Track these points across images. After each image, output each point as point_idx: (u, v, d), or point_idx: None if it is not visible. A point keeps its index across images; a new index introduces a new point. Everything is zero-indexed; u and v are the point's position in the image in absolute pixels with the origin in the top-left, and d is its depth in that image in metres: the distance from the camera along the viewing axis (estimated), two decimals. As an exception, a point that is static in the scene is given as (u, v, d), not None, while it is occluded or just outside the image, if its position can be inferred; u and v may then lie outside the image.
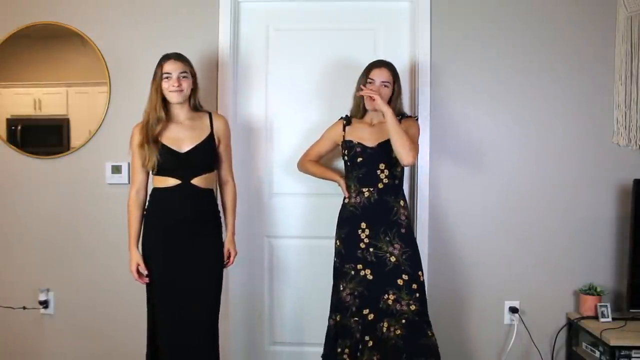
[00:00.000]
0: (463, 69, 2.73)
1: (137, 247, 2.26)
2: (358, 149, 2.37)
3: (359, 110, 2.45)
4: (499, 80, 2.73)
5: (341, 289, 2.37)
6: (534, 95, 2.73)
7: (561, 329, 2.72)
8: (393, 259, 2.31)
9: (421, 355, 2.20)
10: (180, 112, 2.26)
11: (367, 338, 2.30)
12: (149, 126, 2.17)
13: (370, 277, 2.32)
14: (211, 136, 2.26)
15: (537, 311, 2.73)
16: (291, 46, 2.82)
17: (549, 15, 2.71)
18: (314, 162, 2.58)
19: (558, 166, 2.73)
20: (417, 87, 2.72)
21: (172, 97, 2.20)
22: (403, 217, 2.35)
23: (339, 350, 2.36)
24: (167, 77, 2.18)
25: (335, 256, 2.42)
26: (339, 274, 2.39)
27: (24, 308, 2.79)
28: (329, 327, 2.42)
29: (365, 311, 2.32)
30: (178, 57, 2.22)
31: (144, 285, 2.19)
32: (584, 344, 2.62)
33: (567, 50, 2.72)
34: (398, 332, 2.24)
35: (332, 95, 2.63)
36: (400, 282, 2.30)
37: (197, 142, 2.22)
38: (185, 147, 2.20)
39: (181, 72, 2.20)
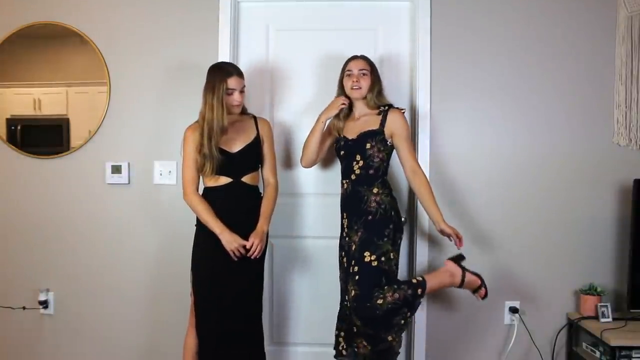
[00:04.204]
0: (463, 69, 2.73)
1: (226, 228, 2.28)
2: (342, 142, 2.43)
3: (348, 112, 2.47)
4: (499, 80, 2.73)
5: (339, 275, 2.47)
6: (534, 95, 2.73)
7: (561, 329, 2.72)
8: (354, 247, 2.34)
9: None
10: (232, 117, 2.38)
11: (352, 324, 2.37)
12: (213, 134, 2.26)
13: (346, 265, 2.39)
14: (257, 138, 2.42)
15: (537, 311, 2.74)
16: (291, 46, 2.83)
17: (549, 15, 2.71)
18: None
19: (558, 166, 2.73)
20: (417, 86, 2.72)
21: (233, 110, 2.35)
22: (373, 204, 2.33)
23: (336, 332, 2.46)
24: (230, 93, 2.30)
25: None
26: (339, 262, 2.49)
27: (24, 308, 2.79)
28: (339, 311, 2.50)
29: (347, 298, 2.38)
30: (239, 73, 2.35)
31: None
32: (584, 344, 2.62)
33: (568, 50, 2.72)
34: (358, 323, 2.28)
35: (332, 95, 2.61)
36: (350, 269, 2.33)
37: (246, 143, 2.38)
38: (235, 148, 2.35)
39: (243, 87, 2.35)
